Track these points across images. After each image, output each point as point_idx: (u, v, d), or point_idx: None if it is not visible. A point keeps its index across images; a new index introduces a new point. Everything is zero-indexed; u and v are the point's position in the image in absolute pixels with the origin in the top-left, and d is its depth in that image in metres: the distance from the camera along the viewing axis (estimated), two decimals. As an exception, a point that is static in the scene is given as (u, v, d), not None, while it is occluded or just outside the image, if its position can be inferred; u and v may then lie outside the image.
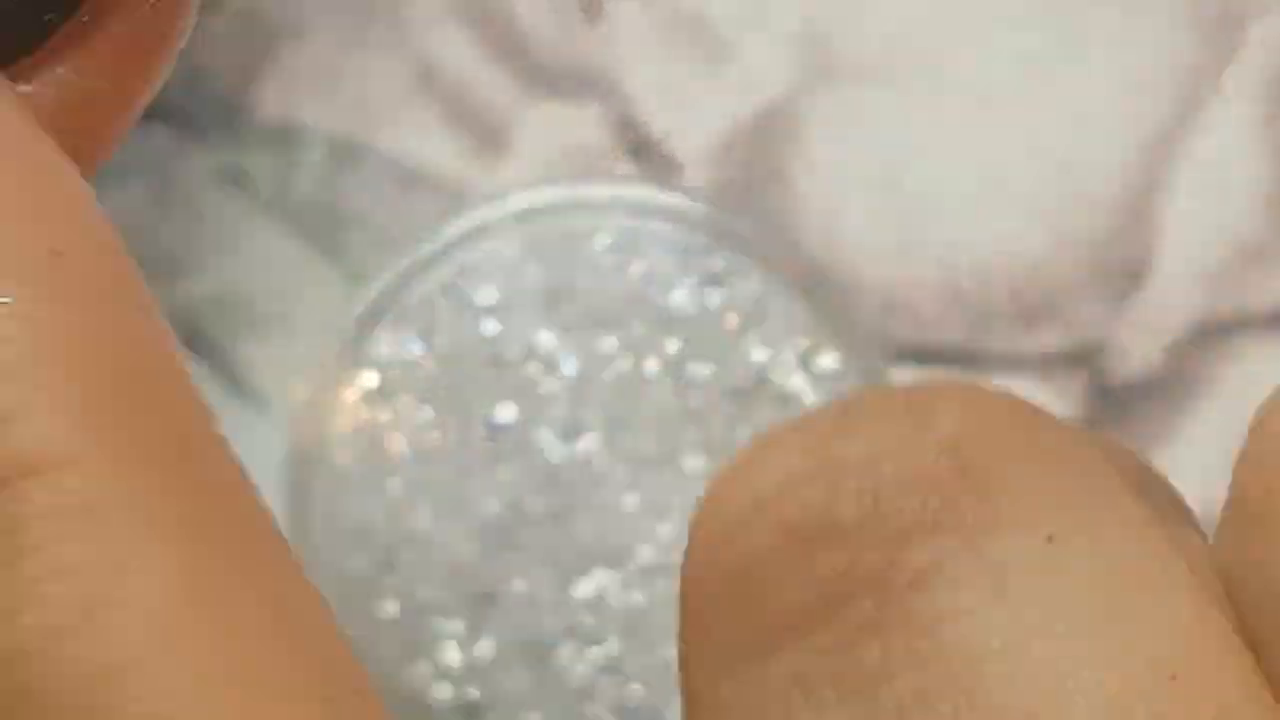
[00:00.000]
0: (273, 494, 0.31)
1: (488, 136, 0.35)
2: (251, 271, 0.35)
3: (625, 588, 0.32)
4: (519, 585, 0.31)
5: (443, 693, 0.32)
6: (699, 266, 0.31)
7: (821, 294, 0.32)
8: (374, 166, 0.35)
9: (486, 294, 0.31)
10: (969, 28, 0.36)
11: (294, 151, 0.35)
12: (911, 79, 0.36)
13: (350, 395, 0.31)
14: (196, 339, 0.35)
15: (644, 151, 0.35)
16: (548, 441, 0.32)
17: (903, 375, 0.34)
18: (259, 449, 0.32)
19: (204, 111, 0.35)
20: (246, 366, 0.35)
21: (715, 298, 0.32)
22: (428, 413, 0.31)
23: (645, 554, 0.32)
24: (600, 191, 0.31)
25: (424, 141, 0.35)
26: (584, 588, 0.31)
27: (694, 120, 0.35)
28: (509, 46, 0.36)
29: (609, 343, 0.31)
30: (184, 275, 0.35)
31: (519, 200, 0.31)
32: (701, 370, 0.31)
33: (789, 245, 0.35)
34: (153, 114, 0.35)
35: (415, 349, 0.31)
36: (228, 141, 0.35)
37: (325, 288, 0.35)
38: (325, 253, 0.35)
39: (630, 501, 0.32)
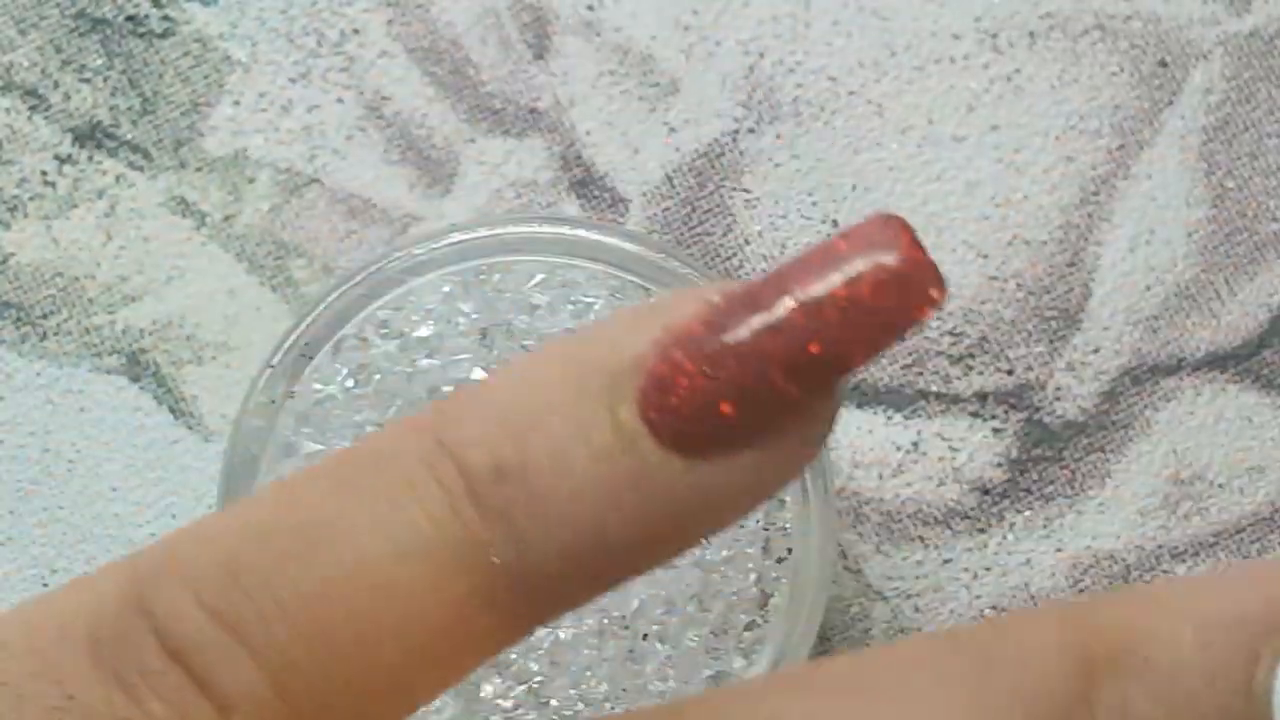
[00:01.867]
0: None
1: (434, 170, 0.35)
2: (196, 300, 0.34)
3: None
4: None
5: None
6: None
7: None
8: (320, 198, 0.35)
9: (422, 329, 0.30)
10: (910, 69, 0.35)
11: (241, 182, 0.35)
12: (853, 118, 0.35)
13: (283, 425, 0.30)
14: (141, 365, 0.34)
15: (588, 187, 0.35)
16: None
17: (843, 419, 0.30)
18: (201, 474, 0.34)
19: (153, 140, 0.35)
20: (190, 393, 0.34)
21: (649, 337, 0.30)
22: None
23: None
24: (535, 230, 0.30)
25: (370, 174, 0.35)
26: None
27: (638, 156, 0.34)
28: (456, 82, 0.35)
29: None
30: (129, 302, 0.34)
31: (455, 237, 0.30)
32: (632, 409, 0.29)
33: (726, 280, 0.33)
34: (104, 146, 0.35)
35: (350, 383, 0.30)
36: (175, 170, 0.35)
37: (269, 317, 0.34)
38: (270, 283, 0.34)
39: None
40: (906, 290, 0.22)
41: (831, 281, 0.22)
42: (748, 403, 0.22)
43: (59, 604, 0.22)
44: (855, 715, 0.22)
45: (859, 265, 0.22)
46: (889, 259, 0.21)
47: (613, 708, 0.30)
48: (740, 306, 0.22)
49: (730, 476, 0.23)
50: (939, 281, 0.22)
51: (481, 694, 0.31)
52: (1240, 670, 0.21)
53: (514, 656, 0.31)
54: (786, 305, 0.22)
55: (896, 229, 0.22)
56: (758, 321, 0.22)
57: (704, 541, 0.26)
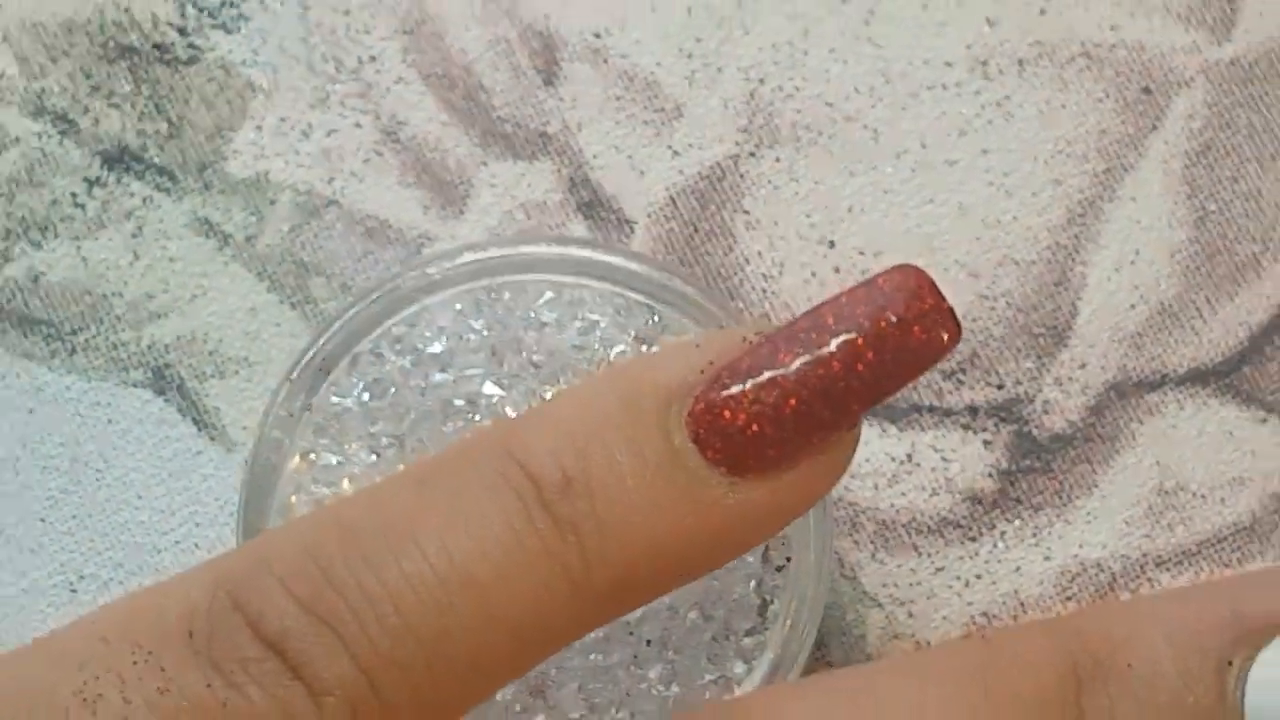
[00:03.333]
0: (234, 527, 0.31)
1: (447, 193, 0.34)
2: (219, 317, 0.34)
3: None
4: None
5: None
6: (637, 324, 0.30)
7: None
8: (338, 219, 0.34)
9: (435, 345, 0.30)
10: (903, 96, 0.35)
11: (262, 203, 0.35)
12: (848, 143, 0.35)
13: (302, 438, 0.30)
14: (165, 379, 0.34)
15: (596, 208, 0.34)
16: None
17: None
18: (223, 483, 0.33)
19: (178, 164, 0.35)
20: (212, 406, 0.34)
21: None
22: (374, 458, 0.30)
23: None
24: (544, 250, 0.30)
25: (386, 196, 0.34)
26: None
27: (643, 179, 0.34)
28: (469, 107, 0.35)
29: (551, 395, 0.30)
30: (155, 319, 0.34)
31: (467, 257, 0.30)
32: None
33: (731, 304, 0.34)
34: (132, 169, 0.34)
35: (365, 396, 0.30)
36: (200, 193, 0.35)
37: (288, 333, 0.34)
38: (290, 300, 0.34)
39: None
40: (931, 328, 0.24)
41: (864, 322, 0.24)
42: (789, 428, 0.24)
43: (150, 601, 0.23)
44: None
45: (888, 309, 0.24)
46: (917, 302, 0.24)
47: (618, 712, 0.30)
48: (783, 342, 0.24)
49: (771, 494, 0.24)
50: (955, 323, 0.24)
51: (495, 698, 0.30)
52: (1213, 675, 0.22)
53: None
54: (827, 343, 0.24)
55: (920, 278, 0.24)
56: (802, 356, 0.24)
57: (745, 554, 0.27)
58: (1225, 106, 0.35)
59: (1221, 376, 0.34)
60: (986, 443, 0.33)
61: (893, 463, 0.33)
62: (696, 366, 0.24)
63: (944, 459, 0.33)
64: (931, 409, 0.33)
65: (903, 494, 0.33)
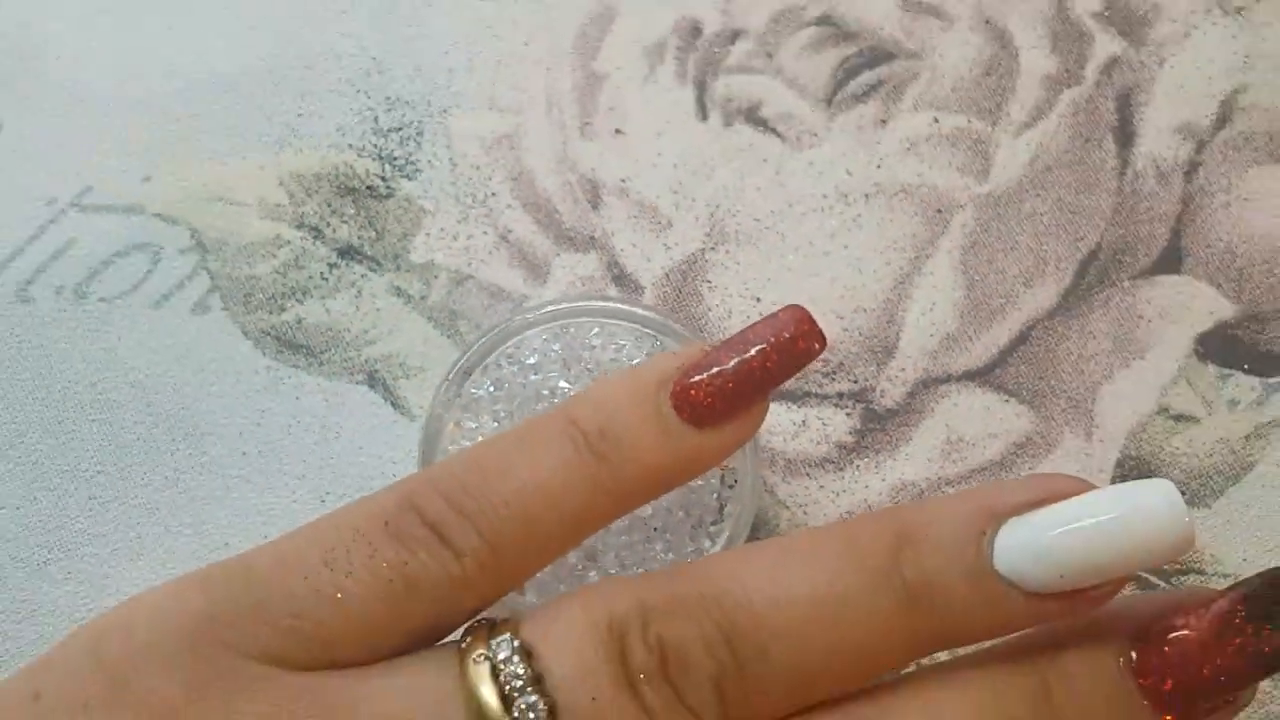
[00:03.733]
0: (416, 466, 0.30)
1: (536, 271, 0.35)
2: (405, 344, 0.34)
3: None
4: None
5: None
6: (646, 347, 0.30)
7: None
8: (474, 287, 0.35)
9: (531, 359, 0.30)
10: (799, 215, 0.35)
11: (430, 278, 0.35)
12: (767, 242, 0.35)
13: (454, 415, 0.30)
14: (375, 379, 0.34)
15: (622, 280, 0.35)
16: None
17: None
18: (409, 440, 0.34)
19: (381, 255, 0.35)
20: (402, 395, 0.34)
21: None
22: (496, 425, 0.29)
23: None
24: (593, 304, 0.30)
25: (501, 273, 0.35)
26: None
27: (649, 263, 0.35)
28: (548, 221, 0.35)
29: (592, 384, 0.28)
30: (369, 344, 0.34)
31: (549, 308, 0.30)
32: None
33: (700, 333, 0.34)
34: (355, 258, 0.35)
35: (491, 389, 0.30)
36: (394, 271, 0.35)
37: (446, 353, 0.34)
38: (446, 334, 0.35)
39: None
40: (808, 341, 0.24)
41: (770, 338, 0.24)
42: (728, 400, 0.23)
43: (363, 506, 0.23)
44: (772, 565, 0.22)
45: (784, 330, 0.24)
46: (800, 326, 0.24)
47: (637, 569, 0.29)
48: (723, 351, 0.24)
49: (717, 438, 0.24)
50: (822, 338, 0.24)
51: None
52: (976, 541, 0.21)
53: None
54: (749, 350, 0.24)
55: (802, 312, 0.24)
56: (735, 358, 0.24)
57: (702, 474, 0.27)
58: (984, 220, 0.34)
59: (983, 375, 0.33)
60: (847, 414, 0.33)
61: (793, 425, 0.33)
62: (675, 366, 0.24)
63: (824, 424, 0.33)
64: (815, 394, 0.33)
65: (799, 444, 0.33)
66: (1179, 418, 0.32)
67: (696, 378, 0.24)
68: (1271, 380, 0.33)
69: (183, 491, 0.32)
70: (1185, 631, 0.20)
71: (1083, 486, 0.22)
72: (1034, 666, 0.21)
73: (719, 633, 0.21)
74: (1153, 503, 0.20)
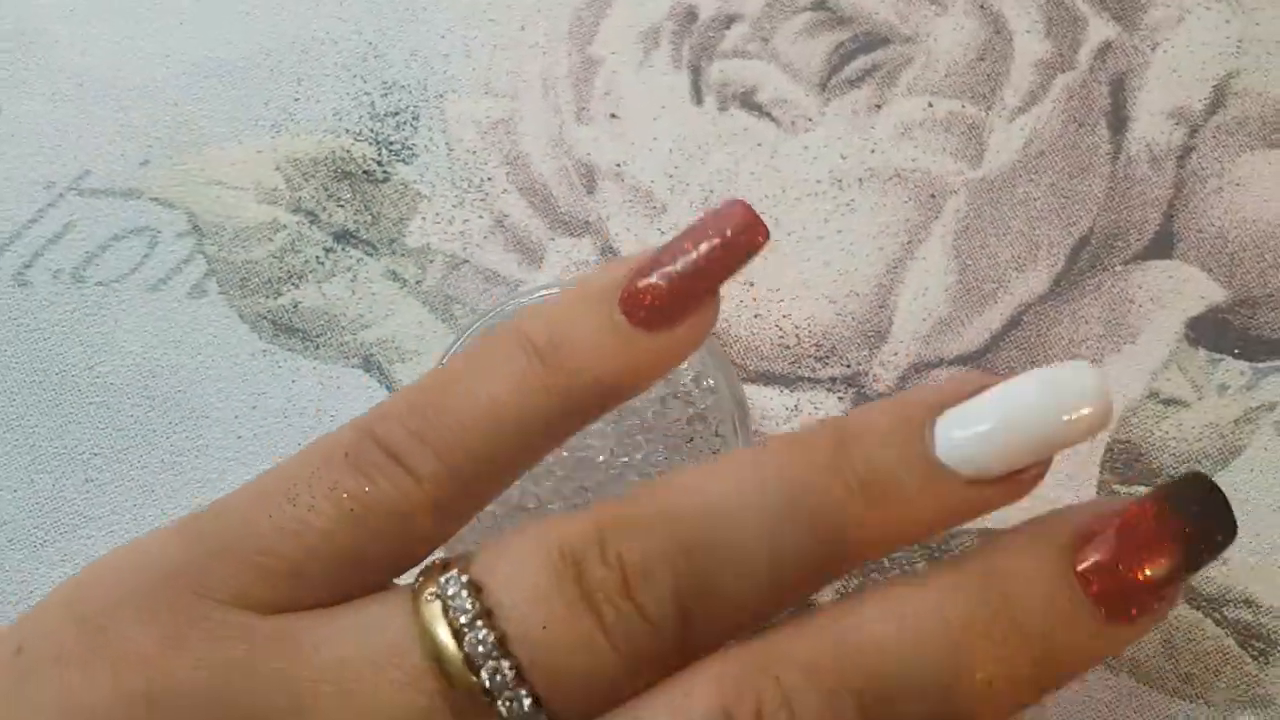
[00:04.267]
0: None
1: (531, 255, 0.35)
2: (400, 327, 0.35)
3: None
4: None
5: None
6: None
7: (710, 342, 0.31)
8: (469, 271, 0.35)
9: None
10: (792, 199, 0.35)
11: (425, 262, 0.35)
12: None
13: None
14: (370, 363, 0.34)
15: None
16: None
17: (752, 390, 0.34)
18: None
19: (377, 239, 0.36)
20: (397, 378, 0.35)
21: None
22: None
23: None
24: None
25: (496, 258, 0.35)
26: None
27: (644, 247, 0.35)
28: (544, 206, 0.36)
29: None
30: (365, 328, 0.35)
31: (542, 291, 0.31)
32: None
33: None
34: (351, 242, 0.35)
35: None
36: (389, 255, 0.35)
37: (440, 336, 0.35)
38: (441, 318, 0.35)
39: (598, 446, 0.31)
40: (752, 234, 0.24)
41: (715, 232, 0.24)
42: (677, 298, 0.23)
43: (324, 441, 0.24)
44: (723, 476, 0.22)
45: (726, 226, 0.24)
46: (744, 218, 0.24)
47: (620, 473, 0.30)
48: (668, 252, 0.24)
49: (670, 341, 0.24)
50: (765, 229, 0.24)
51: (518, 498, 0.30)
52: (917, 432, 0.22)
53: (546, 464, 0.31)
54: (696, 247, 0.24)
55: (743, 205, 0.24)
56: (683, 257, 0.24)
57: (663, 378, 0.27)
58: (977, 205, 0.34)
59: (975, 360, 0.33)
60: (839, 398, 0.33)
61: (785, 410, 0.33)
62: (623, 272, 0.24)
63: (816, 407, 0.33)
64: (808, 378, 0.33)
65: (792, 429, 0.33)
66: (1169, 402, 0.33)
67: (644, 282, 0.24)
68: (1261, 365, 0.33)
69: (179, 474, 0.33)
70: (1111, 532, 0.21)
71: (1005, 378, 0.23)
72: (984, 566, 0.22)
73: (676, 544, 0.21)
74: (1073, 378, 0.21)
